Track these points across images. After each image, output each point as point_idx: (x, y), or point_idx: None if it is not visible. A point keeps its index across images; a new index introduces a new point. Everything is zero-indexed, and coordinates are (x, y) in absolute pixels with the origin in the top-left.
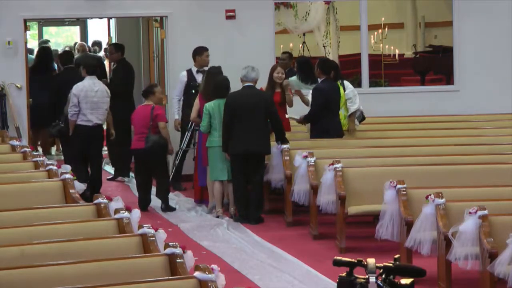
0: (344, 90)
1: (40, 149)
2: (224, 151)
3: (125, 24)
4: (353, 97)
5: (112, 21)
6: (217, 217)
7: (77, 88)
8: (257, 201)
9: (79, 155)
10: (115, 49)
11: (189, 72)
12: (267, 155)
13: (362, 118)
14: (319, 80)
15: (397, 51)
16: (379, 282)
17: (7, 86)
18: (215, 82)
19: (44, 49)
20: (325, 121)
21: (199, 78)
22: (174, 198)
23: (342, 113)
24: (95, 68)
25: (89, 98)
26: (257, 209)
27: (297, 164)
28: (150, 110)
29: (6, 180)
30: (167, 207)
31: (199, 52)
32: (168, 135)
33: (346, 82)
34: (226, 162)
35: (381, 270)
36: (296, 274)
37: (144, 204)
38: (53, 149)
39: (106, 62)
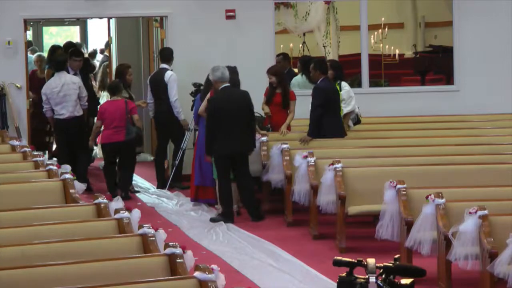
0: (340, 91)
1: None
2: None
3: (125, 24)
4: (347, 99)
5: (112, 21)
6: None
7: (45, 86)
8: (254, 201)
9: (62, 146)
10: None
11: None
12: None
13: (357, 121)
14: (318, 81)
15: (397, 51)
16: (379, 282)
17: (7, 86)
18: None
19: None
20: (325, 120)
21: None
22: (175, 198)
23: None
24: (61, 64)
25: (55, 94)
26: (256, 207)
27: (297, 164)
28: (123, 104)
29: (6, 180)
30: (126, 196)
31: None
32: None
33: (343, 83)
34: None
35: (381, 270)
36: (296, 274)
37: (114, 189)
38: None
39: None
